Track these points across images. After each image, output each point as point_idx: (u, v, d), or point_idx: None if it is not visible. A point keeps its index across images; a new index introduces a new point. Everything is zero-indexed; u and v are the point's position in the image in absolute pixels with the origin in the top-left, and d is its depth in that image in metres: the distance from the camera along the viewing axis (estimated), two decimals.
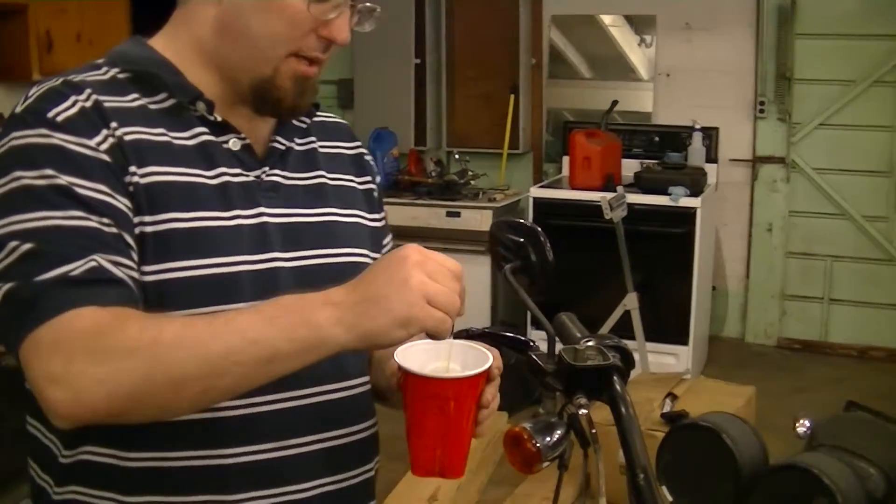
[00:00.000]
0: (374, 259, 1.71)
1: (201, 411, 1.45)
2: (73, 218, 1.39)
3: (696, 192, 6.23)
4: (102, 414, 1.33)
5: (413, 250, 1.36)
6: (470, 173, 7.05)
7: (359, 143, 1.84)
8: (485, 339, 1.78)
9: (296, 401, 1.56)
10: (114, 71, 1.54)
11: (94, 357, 1.31)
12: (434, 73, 7.60)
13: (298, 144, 1.70)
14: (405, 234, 6.62)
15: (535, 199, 6.54)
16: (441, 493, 4.42)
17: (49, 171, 1.39)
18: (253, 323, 1.34)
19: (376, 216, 1.80)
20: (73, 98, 1.45)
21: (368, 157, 1.85)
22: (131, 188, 1.45)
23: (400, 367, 1.39)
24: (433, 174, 7.20)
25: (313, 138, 1.74)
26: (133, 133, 1.48)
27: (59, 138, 1.42)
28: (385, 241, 1.83)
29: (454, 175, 7.08)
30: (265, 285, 1.50)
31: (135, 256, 1.43)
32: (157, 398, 1.34)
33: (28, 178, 1.40)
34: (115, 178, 1.44)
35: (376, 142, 7.15)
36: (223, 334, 1.34)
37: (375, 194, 1.82)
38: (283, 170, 1.64)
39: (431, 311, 1.33)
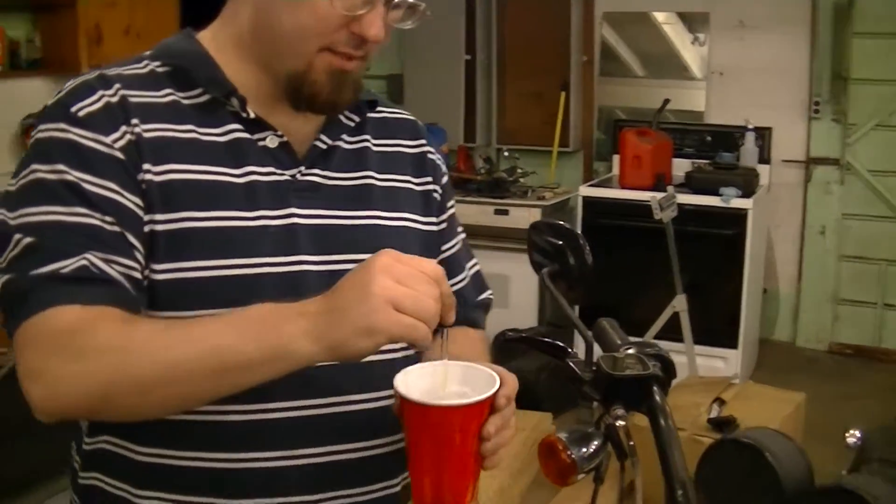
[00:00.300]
0: None
1: (205, 413, 1.45)
2: (75, 214, 1.40)
3: (747, 192, 6.15)
4: (78, 411, 1.38)
5: (383, 254, 1.31)
6: (519, 171, 7.00)
7: (423, 142, 1.79)
8: (521, 343, 1.73)
9: (309, 410, 1.52)
10: (154, 64, 1.55)
11: (68, 355, 1.33)
12: (484, 70, 7.56)
13: (348, 143, 1.66)
14: None
15: (584, 197, 6.49)
16: (482, 496, 4.37)
17: (61, 167, 1.41)
18: (223, 330, 1.33)
19: (432, 219, 1.74)
20: (99, 93, 1.47)
21: (434, 156, 1.79)
22: (144, 186, 1.44)
23: (395, 390, 1.34)
24: (482, 171, 7.16)
25: (367, 136, 1.69)
26: (155, 130, 1.47)
27: (75, 133, 1.43)
28: (447, 246, 1.78)
29: (503, 172, 7.04)
30: (290, 288, 1.46)
31: (138, 255, 1.43)
32: (126, 399, 1.34)
33: (42, 171, 1.42)
34: (127, 175, 1.43)
35: None
36: (192, 340, 1.33)
37: (436, 195, 1.76)
38: (324, 169, 1.60)
39: (398, 318, 1.26)
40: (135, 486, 1.51)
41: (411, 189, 1.71)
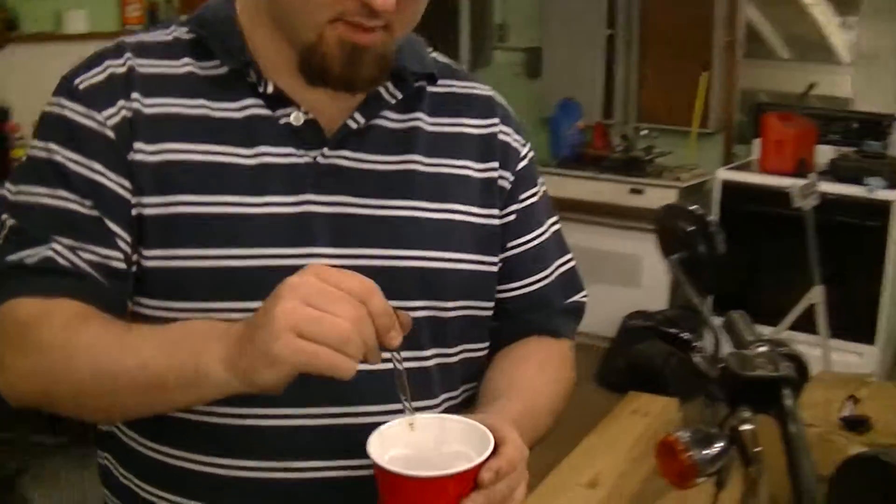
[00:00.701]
0: (482, 263, 1.53)
1: (200, 413, 1.37)
2: (56, 197, 1.37)
3: (894, 183, 5.91)
4: (32, 403, 1.34)
5: (303, 271, 1.17)
6: (656, 150, 6.87)
7: (495, 121, 1.59)
8: (647, 331, 1.64)
9: (316, 419, 1.40)
10: (180, 31, 1.47)
11: (19, 349, 1.31)
12: (625, 46, 7.41)
13: (393, 121, 1.50)
14: (586, 209, 6.53)
15: (723, 181, 6.33)
16: (601, 478, 4.27)
17: (52, 145, 1.39)
18: (153, 345, 1.25)
19: (494, 211, 1.55)
20: (106, 63, 1.41)
21: (508, 138, 1.59)
22: (134, 167, 1.36)
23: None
24: (618, 149, 7.04)
25: (420, 114, 1.53)
26: (158, 105, 1.39)
27: (70, 109, 1.40)
28: (519, 241, 1.59)
29: (640, 151, 6.90)
30: None
31: (120, 243, 1.37)
32: (65, 400, 1.32)
33: (37, 149, 1.41)
34: (115, 155, 1.37)
35: (562, 112, 7.05)
36: (126, 349, 1.26)
37: (504, 183, 1.57)
38: (355, 151, 1.45)
39: (299, 345, 1.12)
40: (139, 479, 1.46)
41: (469, 176, 1.53)
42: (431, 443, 1.26)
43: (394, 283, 1.34)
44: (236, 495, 1.40)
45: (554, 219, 1.68)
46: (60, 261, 1.34)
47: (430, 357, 1.48)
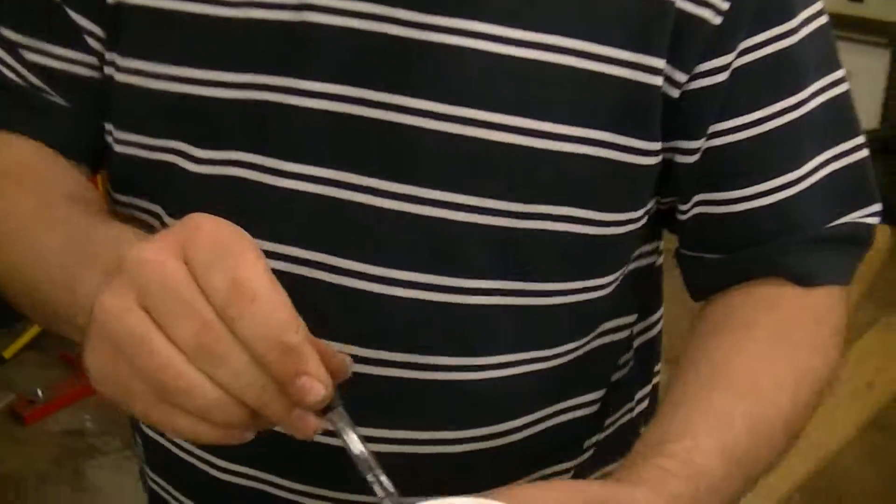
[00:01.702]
0: (611, 146, 0.90)
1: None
2: None
3: None
4: None
5: (174, 228, 0.66)
6: None
7: None
8: None
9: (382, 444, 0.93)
10: None
11: None
12: None
13: None
14: None
15: None
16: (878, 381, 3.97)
17: None
18: (55, 250, 0.84)
19: (654, 61, 0.88)
20: None
21: None
22: None
23: None
24: None
25: None
26: None
27: None
28: (729, 124, 0.92)
29: None
30: (275, 129, 0.90)
31: (87, 38, 0.96)
32: None
33: None
34: None
35: None
36: (28, 250, 0.88)
37: (699, 12, 0.87)
38: None
39: (109, 374, 0.65)
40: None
41: None
42: None
43: (422, 160, 0.88)
44: None
45: (832, 77, 0.99)
46: (7, 72, 0.99)
47: (485, 292, 0.92)
